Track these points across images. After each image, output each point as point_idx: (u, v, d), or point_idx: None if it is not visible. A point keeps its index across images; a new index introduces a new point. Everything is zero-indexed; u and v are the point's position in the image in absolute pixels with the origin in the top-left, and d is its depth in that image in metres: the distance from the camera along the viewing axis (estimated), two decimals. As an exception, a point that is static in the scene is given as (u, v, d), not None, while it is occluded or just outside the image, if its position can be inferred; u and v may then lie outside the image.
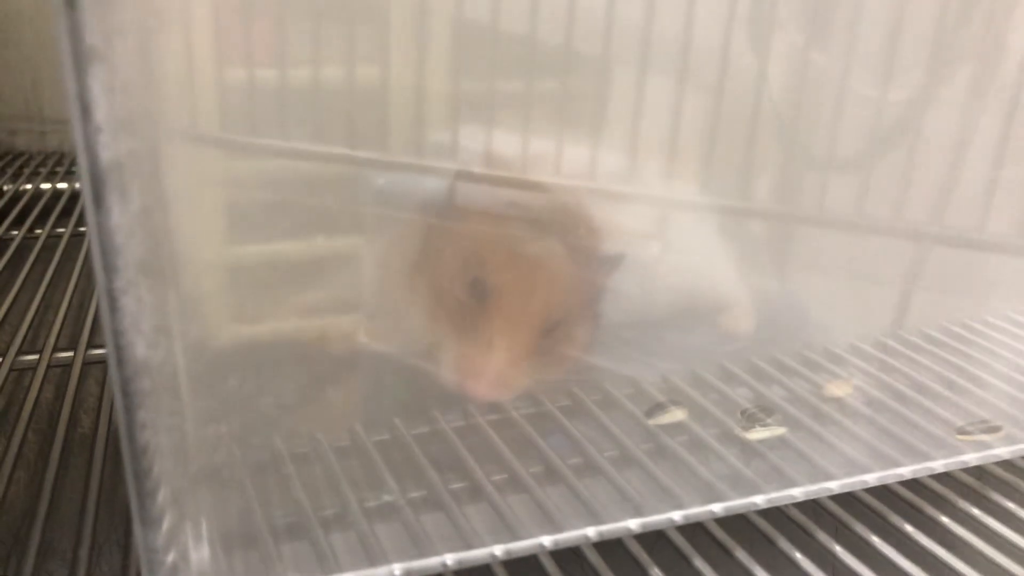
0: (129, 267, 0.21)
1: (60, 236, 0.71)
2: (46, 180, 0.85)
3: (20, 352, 0.50)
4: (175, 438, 0.24)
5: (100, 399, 0.47)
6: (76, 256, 0.66)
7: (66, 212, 0.77)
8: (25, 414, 0.44)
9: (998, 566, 0.35)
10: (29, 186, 0.83)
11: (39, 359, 0.49)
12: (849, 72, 0.34)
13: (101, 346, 0.52)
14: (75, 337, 0.54)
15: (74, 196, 0.81)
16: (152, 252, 0.21)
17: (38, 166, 0.89)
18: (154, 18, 0.21)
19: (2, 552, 0.37)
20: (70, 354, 0.51)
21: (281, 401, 0.28)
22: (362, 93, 0.29)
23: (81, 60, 0.19)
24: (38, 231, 0.72)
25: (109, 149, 0.20)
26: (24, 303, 0.57)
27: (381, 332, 0.34)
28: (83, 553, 0.34)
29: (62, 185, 0.83)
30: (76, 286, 0.60)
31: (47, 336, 0.52)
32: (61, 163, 0.90)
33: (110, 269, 0.21)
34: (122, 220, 0.21)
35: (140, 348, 0.22)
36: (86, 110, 0.20)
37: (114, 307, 0.21)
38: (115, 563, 0.37)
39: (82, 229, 0.73)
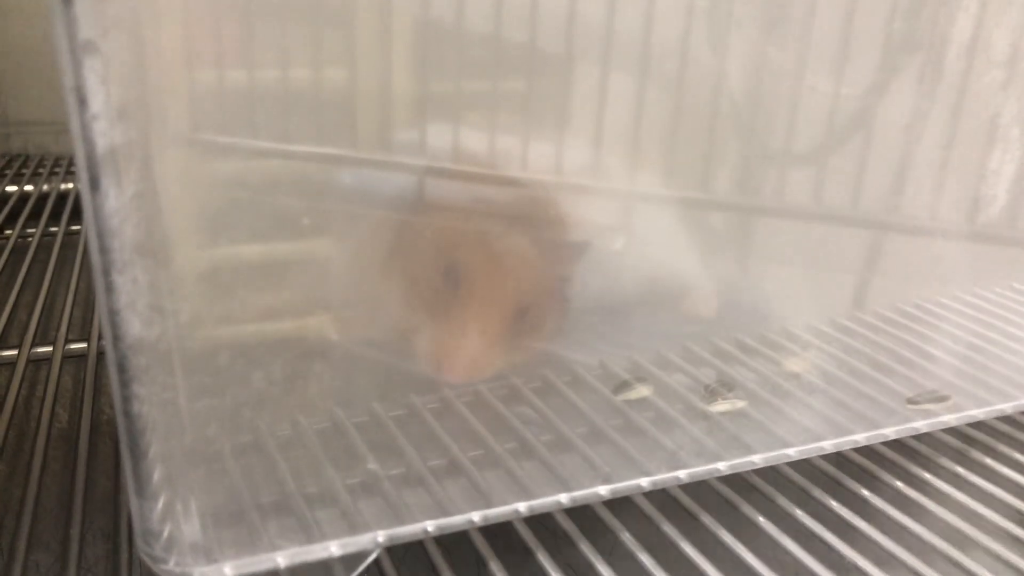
0: (124, 249, 0.22)
1: (29, 237, 0.71)
2: (12, 183, 0.84)
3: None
4: (169, 413, 0.25)
5: (80, 394, 0.47)
6: (48, 258, 0.66)
7: (35, 214, 0.77)
8: (7, 410, 0.44)
9: (948, 524, 0.37)
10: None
11: (18, 355, 0.50)
12: (804, 67, 0.36)
13: (77, 341, 0.53)
14: (49, 334, 0.54)
15: (42, 198, 0.81)
16: (146, 234, 0.23)
17: (3, 168, 0.88)
18: (143, 13, 0.22)
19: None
20: (48, 349, 0.51)
21: (269, 379, 0.29)
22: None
23: (77, 53, 0.21)
24: (8, 232, 0.72)
25: (105, 137, 0.21)
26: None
27: (359, 320, 0.35)
28: (71, 542, 0.35)
29: (28, 187, 0.83)
30: (49, 287, 0.60)
31: (23, 333, 0.53)
32: (27, 165, 0.89)
33: (106, 251, 0.22)
34: (118, 204, 0.22)
35: (136, 326, 0.23)
36: (83, 100, 0.21)
37: (110, 287, 0.23)
38: (100, 551, 0.38)
39: (53, 230, 0.73)
